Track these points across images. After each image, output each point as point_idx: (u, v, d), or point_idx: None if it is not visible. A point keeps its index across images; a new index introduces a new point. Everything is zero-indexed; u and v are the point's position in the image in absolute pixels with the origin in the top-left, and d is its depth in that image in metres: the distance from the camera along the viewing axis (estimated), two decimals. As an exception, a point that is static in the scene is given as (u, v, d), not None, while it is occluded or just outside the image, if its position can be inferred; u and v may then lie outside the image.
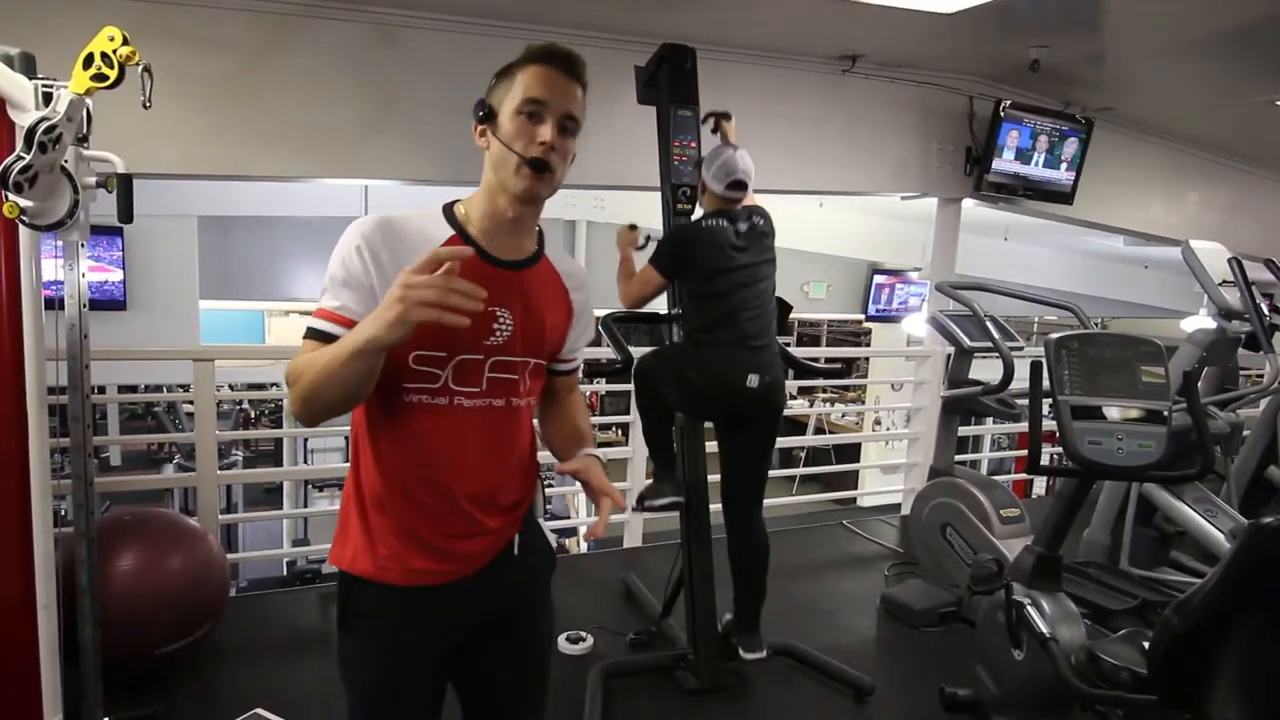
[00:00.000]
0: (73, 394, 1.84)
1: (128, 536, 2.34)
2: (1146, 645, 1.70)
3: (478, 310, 0.97)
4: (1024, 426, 6.12)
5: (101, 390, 4.46)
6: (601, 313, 2.44)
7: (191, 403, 3.00)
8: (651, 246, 2.61)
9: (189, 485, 2.98)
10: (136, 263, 6.00)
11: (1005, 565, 2.25)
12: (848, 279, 10.28)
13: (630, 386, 2.74)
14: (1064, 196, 4.36)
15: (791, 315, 2.98)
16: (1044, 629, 1.93)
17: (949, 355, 4.47)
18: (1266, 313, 3.19)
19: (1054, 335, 2.01)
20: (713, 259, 2.40)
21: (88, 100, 1.73)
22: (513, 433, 1.23)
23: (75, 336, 1.81)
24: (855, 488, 8.93)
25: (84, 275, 1.83)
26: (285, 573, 5.61)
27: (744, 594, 2.60)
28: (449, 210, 1.21)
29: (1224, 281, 3.32)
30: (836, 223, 8.08)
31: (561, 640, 2.79)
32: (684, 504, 2.59)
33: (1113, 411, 1.91)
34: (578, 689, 2.42)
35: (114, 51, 1.68)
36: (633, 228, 2.70)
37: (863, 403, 10.48)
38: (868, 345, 10.99)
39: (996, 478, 3.89)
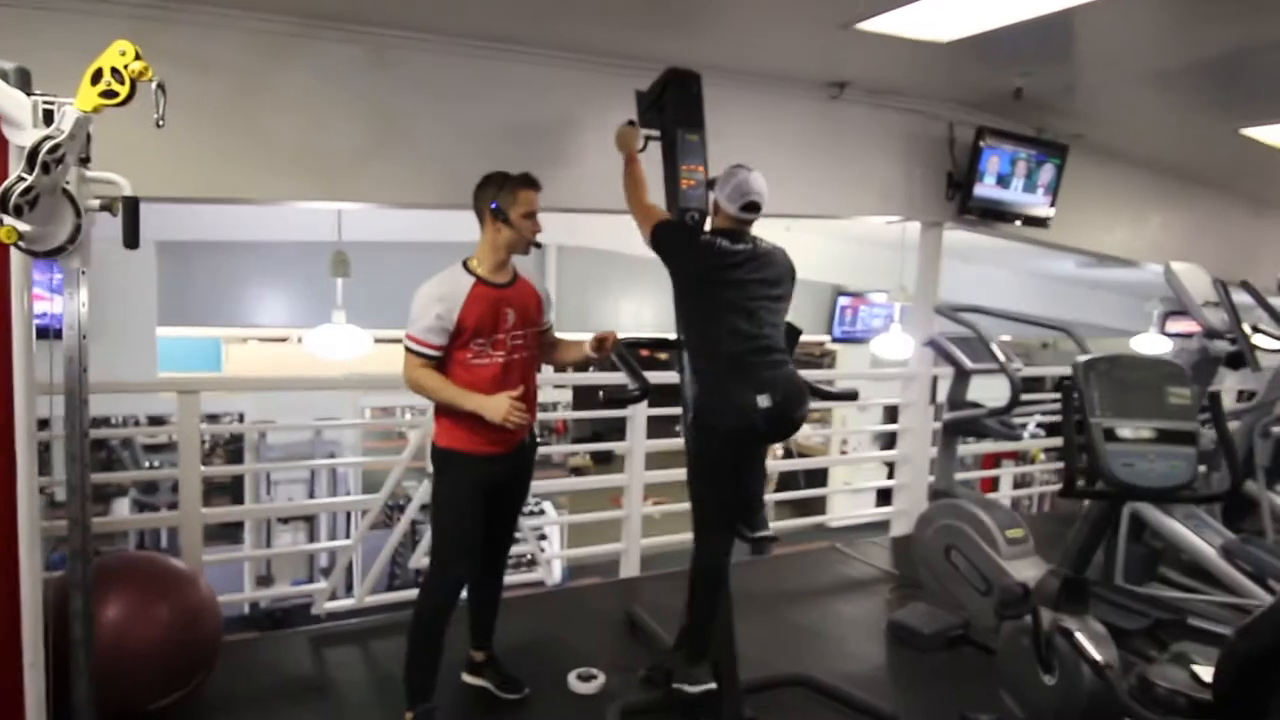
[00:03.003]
0: (70, 432, 1.70)
1: (115, 583, 2.19)
2: (1196, 668, 1.71)
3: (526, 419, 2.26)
4: (994, 446, 6.22)
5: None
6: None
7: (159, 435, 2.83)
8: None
9: (171, 525, 2.79)
10: (91, 290, 5.73)
11: (1031, 589, 2.23)
12: (812, 301, 10.40)
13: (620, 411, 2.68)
14: (1041, 221, 4.46)
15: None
16: (1098, 656, 1.91)
17: (935, 377, 4.56)
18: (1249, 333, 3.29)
19: (1082, 357, 2.02)
20: (703, 267, 2.35)
21: (92, 118, 1.62)
22: (525, 375, 2.33)
23: (74, 370, 1.68)
24: (824, 511, 8.88)
25: (84, 305, 1.70)
26: (247, 612, 5.40)
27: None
28: (465, 265, 2.31)
29: (1206, 302, 3.42)
30: (802, 246, 8.13)
31: (572, 678, 2.69)
32: None
33: (1144, 433, 1.92)
34: (594, 730, 2.34)
35: (125, 67, 1.58)
36: (632, 123, 2.73)
37: (829, 425, 10.54)
38: (830, 367, 11.09)
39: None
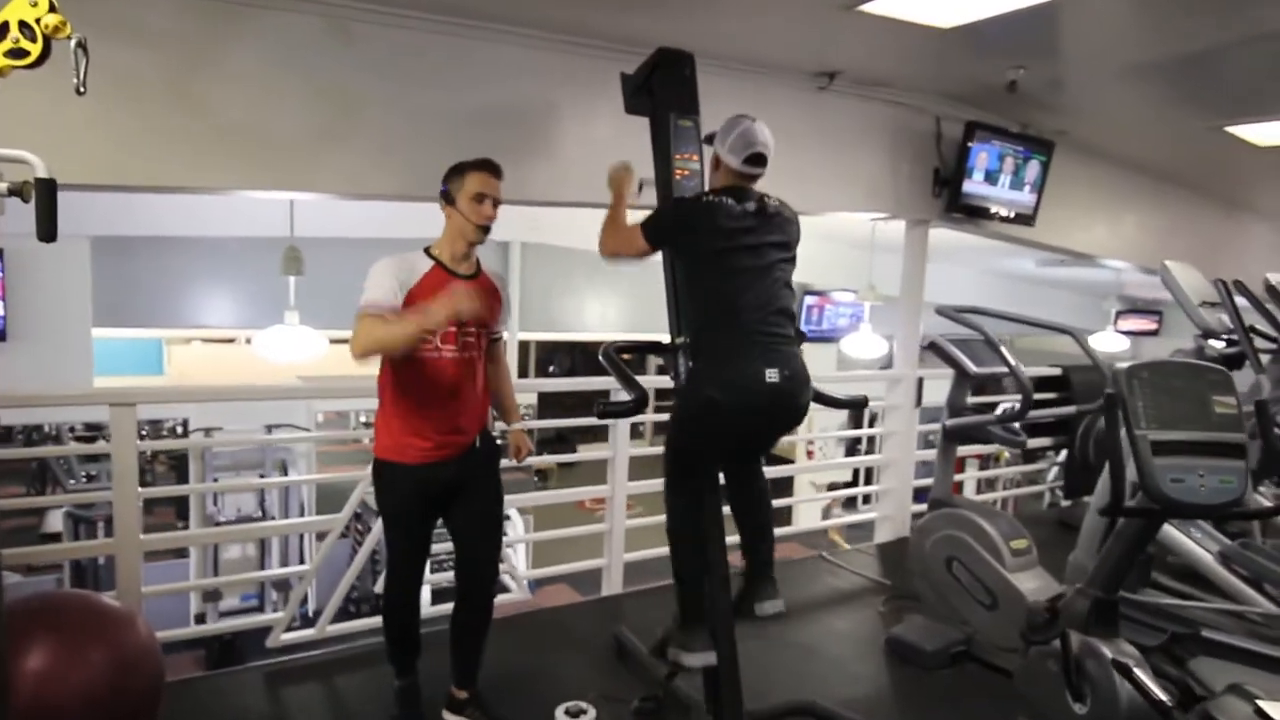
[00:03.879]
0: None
1: (37, 627, 1.89)
2: (1262, 704, 1.56)
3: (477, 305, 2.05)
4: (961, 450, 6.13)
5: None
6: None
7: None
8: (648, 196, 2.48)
9: (105, 554, 2.49)
10: (19, 289, 5.30)
11: (1060, 612, 2.08)
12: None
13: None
14: (1027, 218, 4.36)
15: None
16: (1164, 697, 1.75)
17: (920, 378, 4.43)
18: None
19: (1123, 365, 1.87)
20: (711, 240, 2.13)
21: (-1, 83, 1.35)
22: (476, 376, 2.22)
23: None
24: (789, 514, 8.74)
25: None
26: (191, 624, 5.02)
27: (755, 541, 2.39)
28: (427, 251, 2.19)
29: (1203, 302, 3.34)
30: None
31: (560, 715, 2.46)
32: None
33: (1193, 446, 1.77)
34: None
35: (37, 21, 1.32)
36: (629, 168, 2.51)
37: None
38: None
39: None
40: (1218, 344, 3.30)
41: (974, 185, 4.08)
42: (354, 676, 2.70)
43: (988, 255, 8.43)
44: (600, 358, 2.45)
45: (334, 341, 5.35)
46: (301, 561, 6.78)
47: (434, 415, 2.15)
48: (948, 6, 2.81)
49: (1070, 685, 2.02)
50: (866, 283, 7.08)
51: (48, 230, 1.41)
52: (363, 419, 11.43)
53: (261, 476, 6.90)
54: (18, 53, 1.28)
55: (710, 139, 2.32)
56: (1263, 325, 3.39)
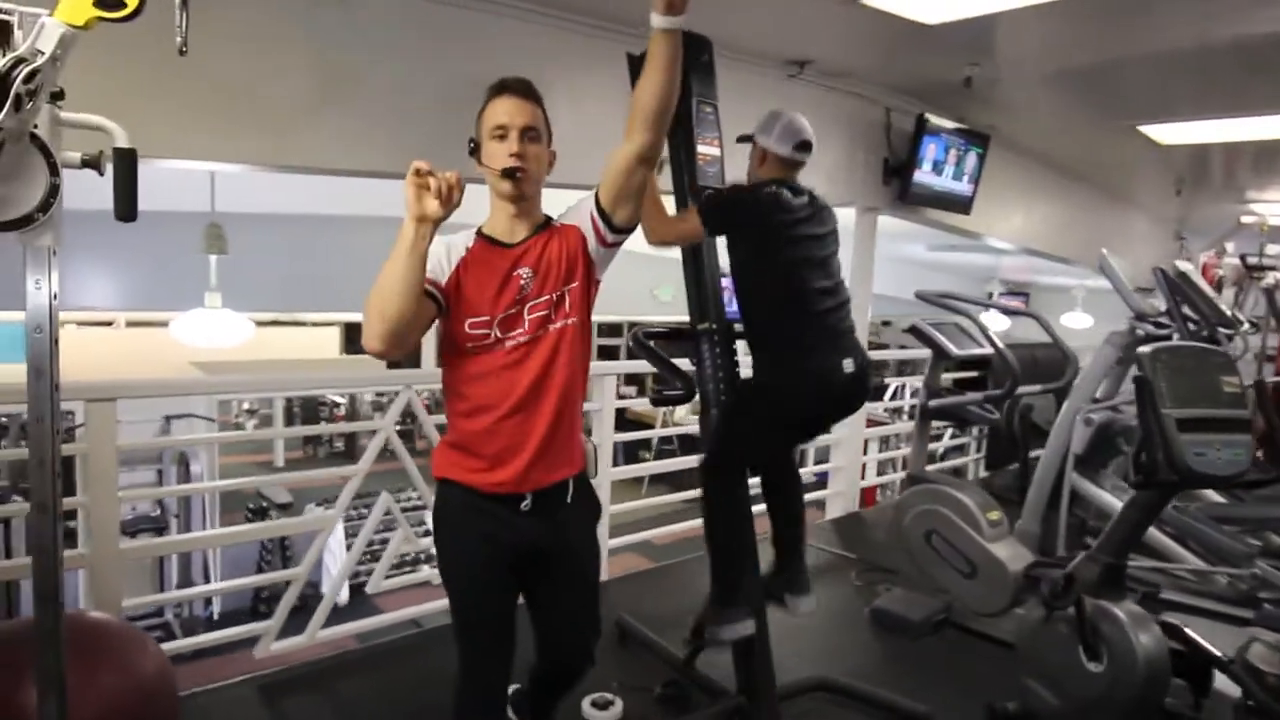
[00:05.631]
0: (37, 462, 1.24)
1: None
2: (1288, 652, 1.75)
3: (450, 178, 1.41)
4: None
5: None
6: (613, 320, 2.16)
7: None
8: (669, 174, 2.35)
9: (77, 567, 2.23)
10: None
11: (1077, 578, 2.24)
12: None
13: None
14: (965, 207, 4.62)
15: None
16: (1218, 653, 1.91)
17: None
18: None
19: (1146, 348, 2.03)
20: (776, 231, 2.13)
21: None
22: (557, 372, 1.59)
23: (44, 389, 1.21)
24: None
25: (55, 298, 1.23)
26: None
27: (790, 529, 2.45)
28: (479, 229, 1.66)
29: (1138, 288, 3.65)
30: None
31: (586, 706, 2.43)
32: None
33: (1211, 422, 1.95)
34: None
35: (130, -33, 1.15)
36: None
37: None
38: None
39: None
40: (1149, 328, 3.61)
41: (923, 175, 4.27)
42: (356, 680, 2.56)
43: (883, 241, 8.88)
44: (631, 344, 2.42)
45: (260, 325, 5.00)
46: (206, 568, 6.37)
47: (496, 448, 1.58)
48: (936, 4, 2.92)
49: (1086, 646, 2.19)
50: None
51: (127, 208, 1.24)
52: (246, 405, 10.79)
53: (160, 473, 6.41)
54: (113, 3, 1.10)
55: (748, 138, 2.32)
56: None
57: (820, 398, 2.14)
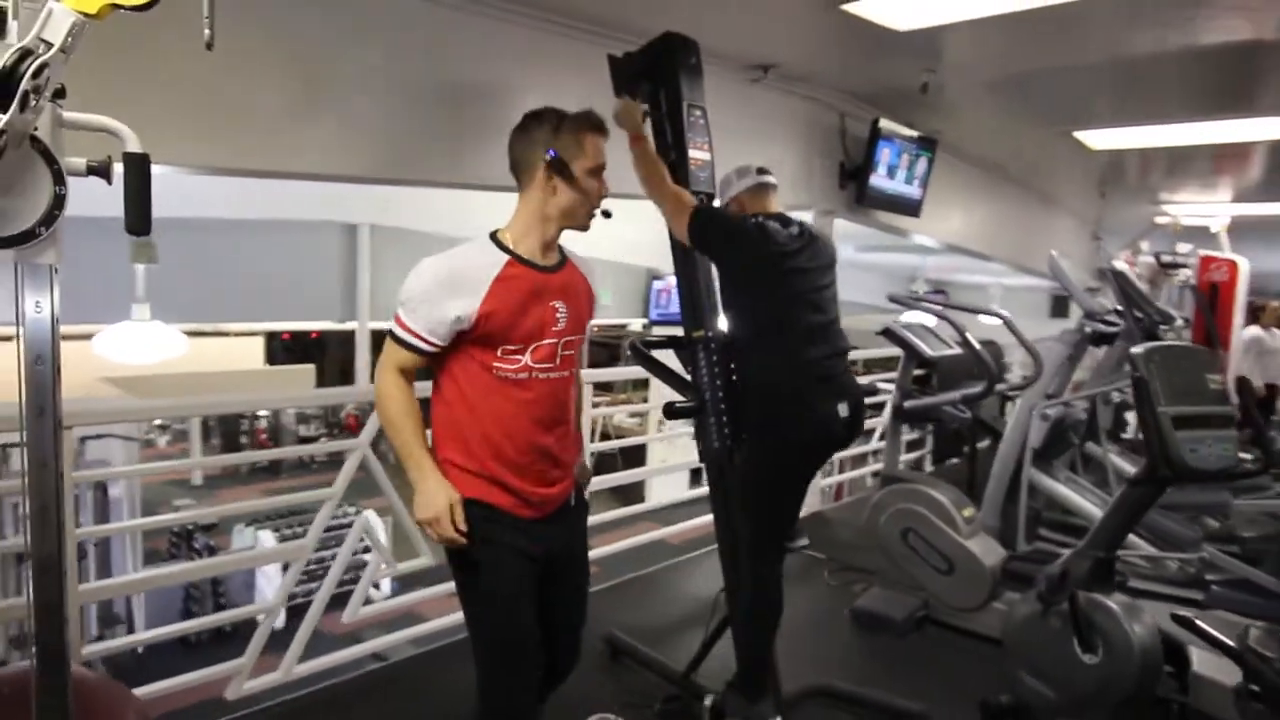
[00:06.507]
0: (39, 509, 1.09)
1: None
2: (1289, 639, 1.83)
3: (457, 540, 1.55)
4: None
5: None
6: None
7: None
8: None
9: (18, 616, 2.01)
10: None
11: (1071, 572, 2.30)
12: (630, 285, 10.41)
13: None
14: (915, 210, 4.73)
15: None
16: (1231, 642, 1.97)
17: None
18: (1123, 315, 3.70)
19: (1140, 349, 2.10)
20: (767, 258, 2.07)
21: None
22: (570, 398, 1.70)
23: (46, 430, 1.07)
24: (643, 498, 8.83)
25: (58, 320, 1.09)
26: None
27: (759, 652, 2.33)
28: (495, 239, 1.62)
29: (1089, 288, 3.82)
30: (618, 229, 8.10)
31: (591, 730, 2.36)
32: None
33: (1202, 419, 2.03)
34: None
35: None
36: (624, 96, 2.34)
37: (645, 401, 10.59)
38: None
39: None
40: (1098, 325, 3.77)
41: (878, 179, 4.35)
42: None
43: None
44: (630, 353, 2.36)
45: (191, 335, 4.71)
46: (129, 603, 5.93)
47: (523, 461, 1.61)
48: (909, 11, 2.96)
49: (1081, 639, 2.24)
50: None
51: (140, 220, 1.10)
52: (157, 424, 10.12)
53: (76, 499, 5.94)
54: (132, -10, 0.98)
55: (711, 198, 2.35)
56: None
57: (819, 443, 2.15)
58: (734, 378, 2.28)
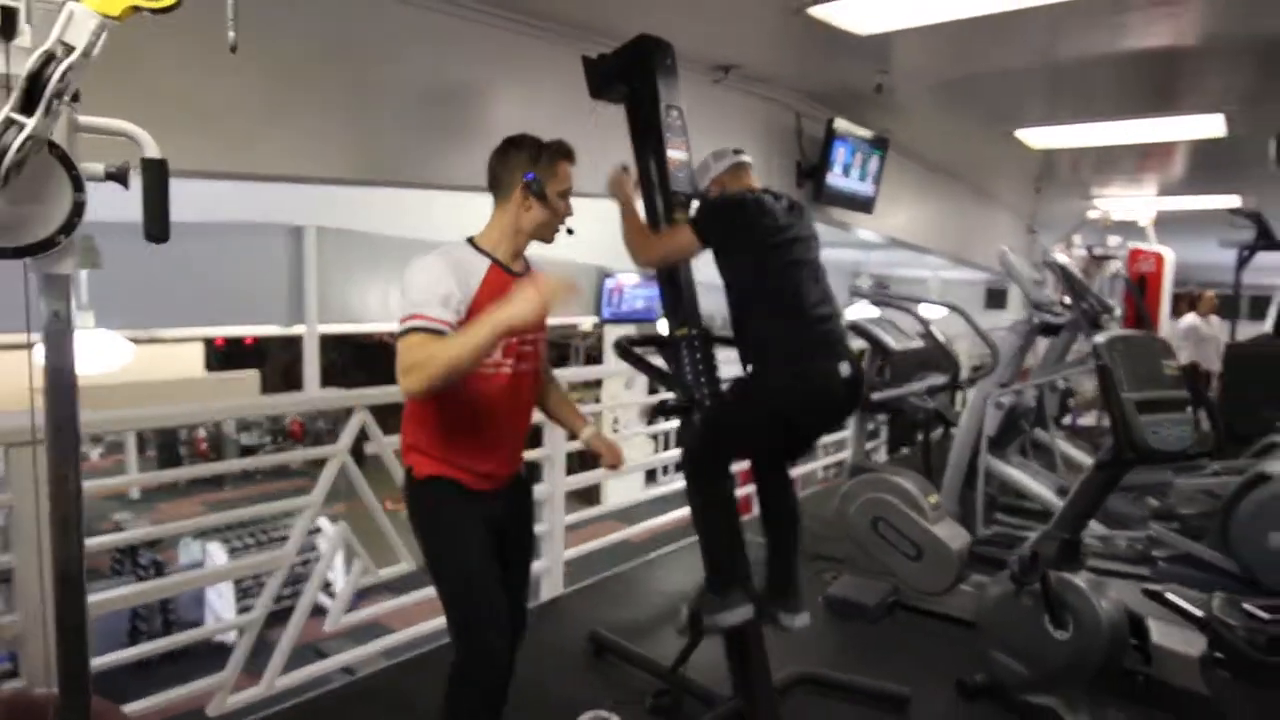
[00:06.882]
0: (62, 530, 1.05)
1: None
2: (1250, 608, 1.95)
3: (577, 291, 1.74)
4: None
5: None
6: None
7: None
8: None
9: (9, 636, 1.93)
10: None
11: (1040, 554, 2.41)
12: (580, 283, 10.39)
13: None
14: (868, 207, 4.86)
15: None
16: (1199, 612, 2.07)
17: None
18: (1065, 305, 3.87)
19: (1102, 337, 2.21)
20: (765, 236, 2.15)
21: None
22: (531, 391, 1.90)
23: (66, 444, 1.03)
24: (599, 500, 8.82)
25: (73, 330, 1.05)
26: None
27: (786, 546, 2.44)
28: (474, 246, 1.80)
29: (1036, 280, 3.98)
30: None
31: (586, 728, 2.36)
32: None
33: (1161, 403, 2.15)
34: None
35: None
36: (625, 169, 2.38)
37: (598, 401, 10.62)
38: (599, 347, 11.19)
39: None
40: (1046, 316, 3.94)
41: (834, 177, 4.46)
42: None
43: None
44: (615, 353, 2.38)
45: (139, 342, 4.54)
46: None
47: (486, 447, 1.81)
48: (875, 15, 3.05)
49: (1052, 616, 2.36)
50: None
51: (159, 227, 1.08)
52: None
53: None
54: (159, -10, 0.95)
55: (695, 195, 2.38)
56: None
57: (819, 401, 2.18)
58: (716, 372, 2.33)
